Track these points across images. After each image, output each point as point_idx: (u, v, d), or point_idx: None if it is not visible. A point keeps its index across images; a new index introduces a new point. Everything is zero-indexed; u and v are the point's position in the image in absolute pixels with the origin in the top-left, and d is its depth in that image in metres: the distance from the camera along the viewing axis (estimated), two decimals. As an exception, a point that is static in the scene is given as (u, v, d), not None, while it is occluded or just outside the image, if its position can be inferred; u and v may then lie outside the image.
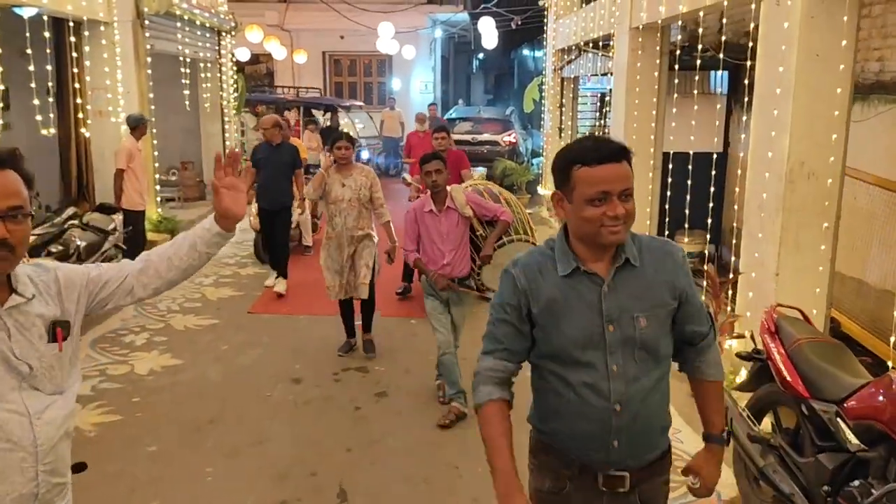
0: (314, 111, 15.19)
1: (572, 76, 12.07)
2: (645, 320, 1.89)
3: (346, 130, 14.52)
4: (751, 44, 5.23)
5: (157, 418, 4.66)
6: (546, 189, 13.04)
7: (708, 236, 8.20)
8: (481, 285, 4.88)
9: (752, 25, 5.17)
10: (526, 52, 27.13)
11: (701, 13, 6.33)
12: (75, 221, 5.78)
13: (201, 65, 10.80)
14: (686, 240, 8.52)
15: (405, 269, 7.13)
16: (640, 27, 7.73)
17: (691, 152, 7.54)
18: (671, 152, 8.11)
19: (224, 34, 12.02)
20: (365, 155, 14.12)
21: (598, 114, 13.16)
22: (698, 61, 6.89)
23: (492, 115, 15.36)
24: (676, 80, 8.27)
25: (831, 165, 4.53)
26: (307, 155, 13.35)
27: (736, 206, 5.75)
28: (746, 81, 5.39)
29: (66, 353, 1.76)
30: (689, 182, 8.21)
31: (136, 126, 7.29)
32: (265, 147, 7.21)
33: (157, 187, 9.19)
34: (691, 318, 2.02)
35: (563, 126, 12.60)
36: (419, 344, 6.05)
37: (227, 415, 4.73)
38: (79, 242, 5.67)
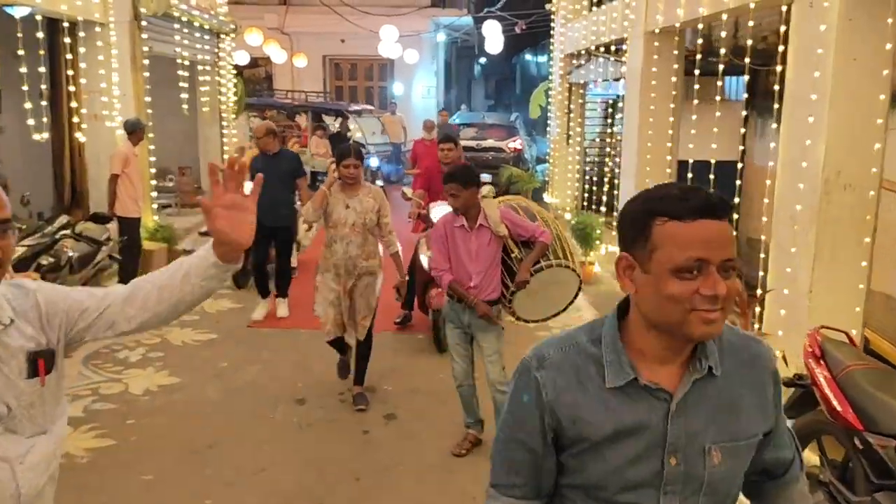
0: (324, 116, 14.66)
1: (581, 82, 11.80)
2: (720, 454, 1.36)
3: (354, 139, 12.34)
4: (781, 47, 4.97)
5: (153, 442, 4.36)
6: (553, 197, 12.78)
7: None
8: (512, 313, 4.32)
9: (782, 28, 4.92)
10: (528, 57, 26.96)
11: (723, 16, 6.07)
12: (67, 231, 5.48)
13: (199, 68, 10.52)
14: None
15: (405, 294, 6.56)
16: (657, 31, 7.47)
17: (712, 160, 7.30)
18: (687, 161, 7.89)
19: (223, 37, 11.75)
20: (374, 162, 13.26)
21: (607, 120, 12.94)
22: (721, 66, 6.61)
23: (496, 121, 15.12)
24: (696, 86, 8.02)
25: (872, 176, 4.27)
26: (314, 162, 12.87)
27: (764, 218, 5.47)
28: (776, 87, 5.11)
29: (49, 387, 1.51)
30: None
31: (134, 131, 7.02)
32: (261, 158, 6.42)
33: (154, 194, 8.90)
34: (775, 441, 1.48)
35: (570, 133, 12.34)
36: (427, 361, 5.78)
37: (227, 438, 4.44)
38: (71, 254, 5.38)
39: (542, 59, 24.20)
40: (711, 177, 6.99)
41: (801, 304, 4.56)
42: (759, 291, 5.26)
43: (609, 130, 12.56)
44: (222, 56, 11.97)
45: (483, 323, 4.07)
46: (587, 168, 12.37)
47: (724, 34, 7.33)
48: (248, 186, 1.61)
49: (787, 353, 4.60)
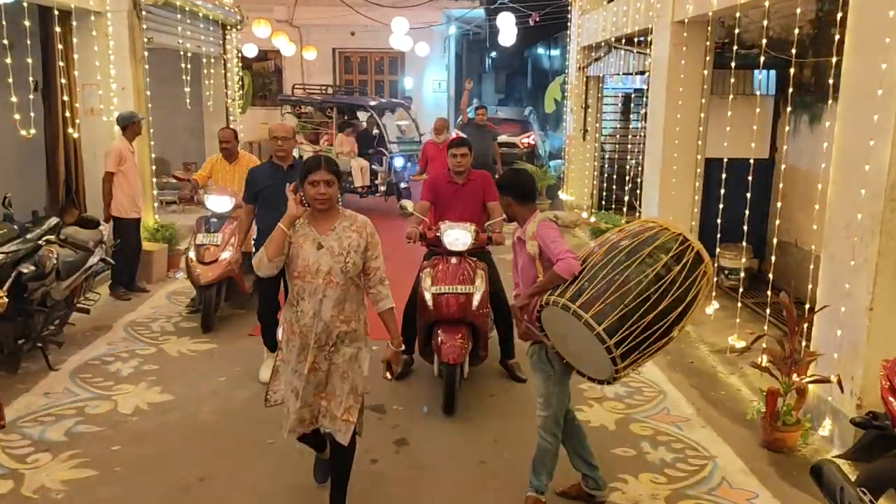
0: (358, 113, 13.42)
1: (600, 74, 11.31)
2: None
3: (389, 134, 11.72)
4: (836, 36, 4.50)
5: (139, 474, 3.95)
6: (569, 194, 12.30)
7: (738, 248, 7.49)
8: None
9: (839, 15, 4.43)
10: (541, 50, 26.38)
11: (766, 2, 5.58)
12: (53, 237, 5.07)
13: (204, 60, 10.10)
14: (727, 254, 7.79)
15: (404, 335, 4.77)
16: (686, 21, 6.98)
17: (725, 158, 6.84)
18: (720, 159, 7.41)
19: (229, 28, 11.33)
20: (399, 163, 11.86)
21: (625, 115, 12.45)
22: (760, 58, 6.13)
23: (509, 116, 14.66)
24: (731, 79, 7.53)
25: (946, 182, 3.80)
26: (339, 161, 12.18)
27: (815, 226, 4.99)
28: (833, 80, 4.62)
29: None
30: (727, 191, 7.50)
31: (127, 125, 6.61)
32: (268, 169, 5.04)
33: (155, 192, 8.50)
34: None
35: (587, 128, 11.85)
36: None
37: (221, 469, 4.02)
38: (56, 260, 4.96)
39: (555, 52, 23.64)
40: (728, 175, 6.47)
41: (858, 322, 4.10)
42: (807, 307, 4.78)
43: (626, 126, 12.08)
44: (228, 48, 11.55)
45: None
46: (604, 164, 11.90)
47: (748, 24, 6.81)
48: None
49: (843, 378, 4.15)
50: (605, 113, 12.07)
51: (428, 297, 4.71)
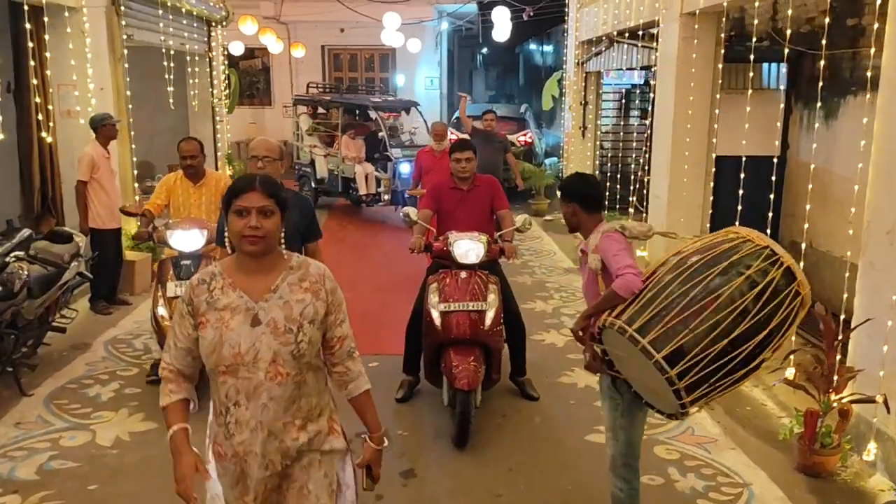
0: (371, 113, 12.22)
1: (601, 70, 10.96)
2: None
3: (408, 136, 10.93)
4: (875, 24, 4.16)
5: (118, 517, 3.56)
6: (568, 194, 11.94)
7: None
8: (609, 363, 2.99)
9: (877, 3, 4.09)
10: (533, 46, 26.04)
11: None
12: (21, 252, 4.65)
13: (188, 58, 9.67)
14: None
15: (407, 355, 4.91)
16: (697, 12, 6.63)
17: (743, 157, 6.51)
18: (725, 157, 7.09)
19: (215, 25, 10.89)
20: (405, 169, 10.50)
21: (623, 112, 12.13)
22: (770, 50, 5.78)
23: (505, 113, 14.24)
24: (750, 73, 7.21)
25: None
26: (343, 167, 11.05)
27: (850, 230, 4.66)
28: (851, 73, 4.28)
29: None
30: (739, 190, 7.16)
31: (98, 128, 6.16)
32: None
33: (137, 197, 8.06)
34: None
35: (586, 125, 11.51)
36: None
37: (210, 510, 3.63)
38: (26, 277, 4.55)
39: (549, 48, 23.30)
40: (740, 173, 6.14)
41: (905, 337, 3.76)
42: (842, 320, 4.44)
43: (625, 123, 11.76)
44: (214, 46, 11.11)
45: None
46: (602, 162, 11.58)
47: (756, 16, 6.47)
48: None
49: (890, 397, 3.81)
50: (603, 110, 11.75)
51: (435, 315, 4.28)
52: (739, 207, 6.29)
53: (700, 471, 4.08)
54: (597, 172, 11.24)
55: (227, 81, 12.11)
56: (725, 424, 4.65)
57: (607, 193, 11.02)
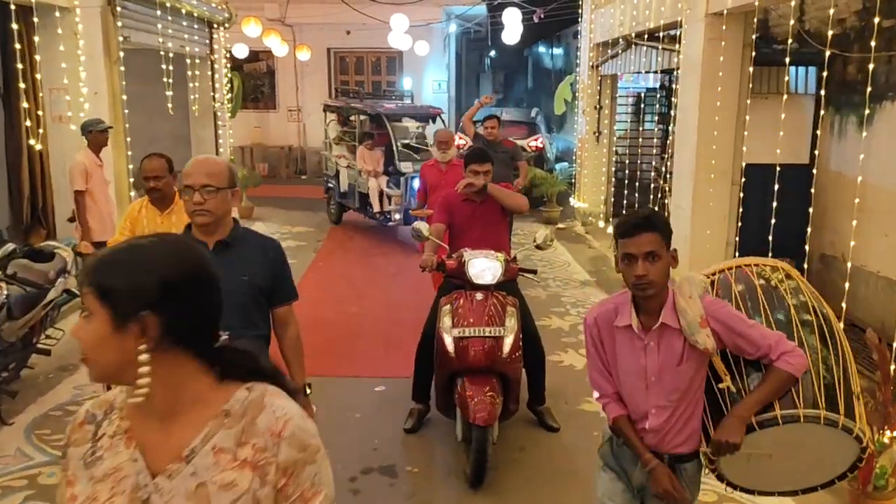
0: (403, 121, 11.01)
1: (615, 73, 10.58)
2: None
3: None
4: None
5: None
6: (581, 201, 11.56)
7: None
8: (719, 476, 2.47)
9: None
10: (542, 49, 25.68)
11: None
12: (0, 272, 4.30)
13: (188, 61, 9.34)
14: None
15: (417, 380, 4.54)
16: (724, 12, 6.24)
17: (776, 165, 6.11)
18: (752, 165, 6.70)
19: (217, 27, 10.56)
20: (418, 185, 8.46)
21: (636, 116, 11.74)
22: (797, 53, 5.38)
23: (516, 118, 13.88)
24: (786, 77, 6.82)
25: None
26: (359, 180, 10.00)
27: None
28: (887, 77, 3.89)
29: None
30: (764, 200, 6.77)
31: (88, 134, 5.80)
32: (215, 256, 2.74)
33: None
34: None
35: (600, 130, 11.12)
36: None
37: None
38: (5, 297, 4.20)
39: (558, 51, 22.94)
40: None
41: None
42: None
43: (638, 128, 11.37)
44: (216, 48, 10.79)
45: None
46: (616, 168, 11.20)
47: (778, 17, 6.08)
48: None
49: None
50: (617, 114, 11.37)
51: (448, 341, 3.89)
52: (773, 220, 5.90)
53: (742, 516, 3.69)
54: (615, 180, 10.85)
55: (229, 85, 11.78)
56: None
57: (619, 200, 10.66)
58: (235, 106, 12.37)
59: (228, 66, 11.60)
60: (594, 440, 4.52)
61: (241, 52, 14.08)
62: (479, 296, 3.99)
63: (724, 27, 6.30)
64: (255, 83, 17.63)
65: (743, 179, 6.78)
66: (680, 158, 7.29)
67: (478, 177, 4.29)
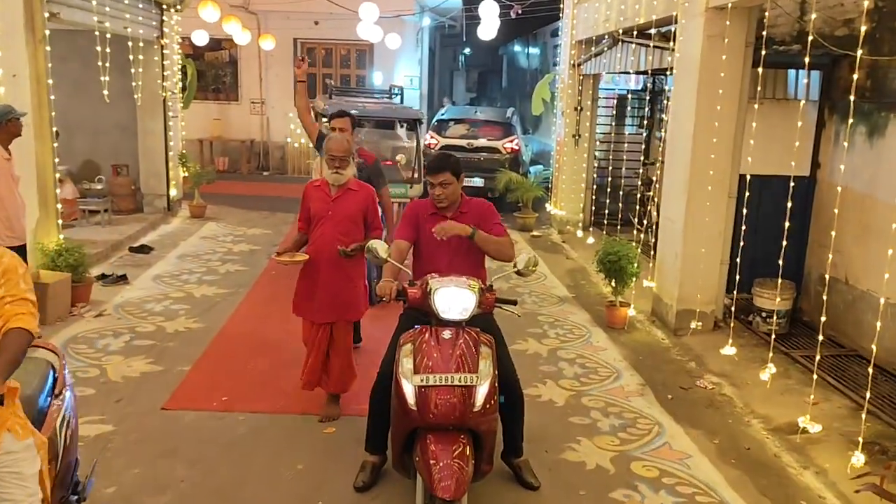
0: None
1: (598, 72, 9.93)
2: None
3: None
4: None
5: None
6: (559, 208, 10.90)
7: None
8: None
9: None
10: (517, 48, 25.06)
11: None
12: None
13: (130, 44, 8.43)
14: (763, 293, 6.44)
15: (372, 428, 3.81)
16: (728, 6, 5.60)
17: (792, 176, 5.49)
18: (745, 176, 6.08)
19: (168, 8, 9.66)
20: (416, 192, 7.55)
21: (618, 119, 11.14)
22: (801, 56, 4.74)
23: (490, 118, 13.19)
24: (805, 80, 6.22)
25: None
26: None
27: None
28: None
29: None
30: (760, 215, 6.21)
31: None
32: None
33: (59, 206, 6.85)
34: None
35: (580, 132, 10.47)
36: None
37: None
38: None
39: (534, 49, 22.31)
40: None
41: None
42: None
43: (620, 131, 10.76)
44: (167, 32, 9.89)
45: None
46: (596, 173, 10.58)
47: (777, 16, 5.46)
48: None
49: None
50: (598, 116, 10.75)
51: (408, 390, 3.16)
52: (767, 237, 5.29)
53: None
54: (594, 186, 10.22)
55: (182, 73, 10.87)
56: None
57: (597, 208, 10.03)
58: (189, 96, 11.46)
59: (180, 52, 10.68)
60: (580, 500, 3.86)
61: (200, 38, 13.14)
62: (446, 333, 3.25)
63: (727, 22, 5.66)
64: (217, 73, 16.67)
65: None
66: (672, 167, 6.64)
67: (434, 188, 3.65)
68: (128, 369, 5.12)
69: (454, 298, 3.26)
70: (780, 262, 5.52)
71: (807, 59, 4.82)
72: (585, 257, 8.99)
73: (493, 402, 3.23)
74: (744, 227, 5.43)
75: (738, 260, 5.45)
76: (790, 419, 4.75)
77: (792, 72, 7.08)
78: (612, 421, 4.71)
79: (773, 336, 5.22)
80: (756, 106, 6.17)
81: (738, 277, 5.71)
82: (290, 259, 4.34)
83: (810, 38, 4.78)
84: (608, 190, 10.22)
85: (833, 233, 5.06)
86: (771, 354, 5.15)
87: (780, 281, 6.34)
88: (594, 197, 10.61)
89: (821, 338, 4.61)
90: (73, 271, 6.29)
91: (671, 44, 6.64)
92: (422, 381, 3.13)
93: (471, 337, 3.28)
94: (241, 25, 12.89)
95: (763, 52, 5.34)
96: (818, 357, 4.65)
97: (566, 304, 7.32)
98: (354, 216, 4.38)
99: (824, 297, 5.05)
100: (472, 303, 3.28)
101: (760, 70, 5.38)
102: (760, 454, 4.41)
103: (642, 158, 10.46)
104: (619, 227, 9.67)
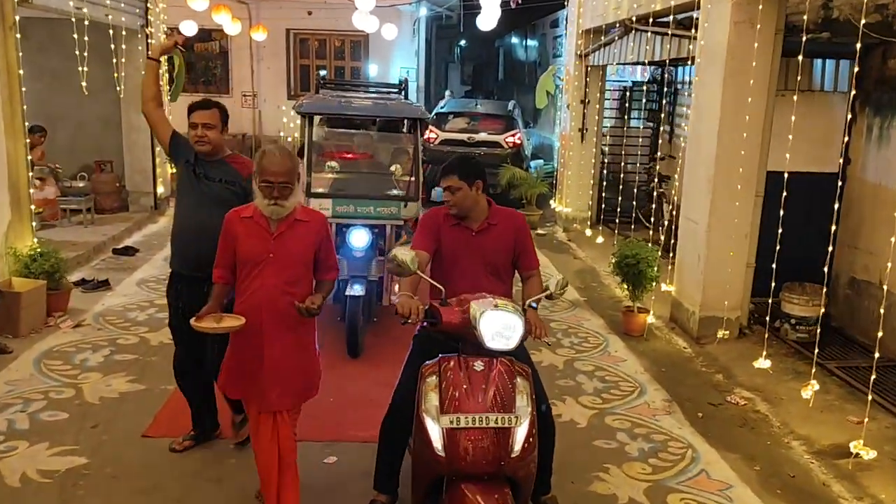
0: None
1: (607, 63, 9.48)
2: None
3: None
4: None
5: None
6: (564, 205, 10.45)
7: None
8: None
9: None
10: (515, 40, 24.55)
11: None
12: None
13: (112, 32, 7.90)
14: (793, 299, 6.02)
15: (382, 465, 3.33)
16: (761, -12, 5.15)
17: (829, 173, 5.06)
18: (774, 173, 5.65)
19: (153, -4, 9.15)
20: (359, 241, 5.54)
21: (622, 112, 10.73)
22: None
23: (492, 111, 12.72)
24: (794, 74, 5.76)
25: None
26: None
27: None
28: None
29: None
30: (788, 215, 5.76)
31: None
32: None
33: (32, 207, 6.36)
34: None
35: (586, 126, 10.02)
36: None
37: None
38: None
39: (532, 42, 21.81)
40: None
41: None
42: None
43: (624, 124, 10.33)
44: (152, 21, 9.37)
45: None
46: (603, 168, 10.15)
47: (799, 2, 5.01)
48: None
49: None
50: (605, 109, 10.31)
51: (435, 433, 2.67)
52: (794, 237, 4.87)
53: None
54: (603, 183, 9.77)
55: (169, 64, 10.33)
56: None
57: (605, 205, 9.60)
58: (177, 88, 10.83)
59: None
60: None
61: (189, 29, 12.59)
62: (478, 365, 2.76)
63: (759, 7, 5.21)
64: (207, 64, 16.11)
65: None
66: (693, 164, 6.20)
67: (445, 193, 3.18)
68: (106, 389, 4.64)
69: (504, 324, 2.73)
70: (811, 265, 5.11)
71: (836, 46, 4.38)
72: (594, 257, 8.56)
73: (531, 441, 2.75)
74: (780, 230, 4.97)
75: (772, 265, 4.99)
76: (834, 440, 4.34)
77: (818, 61, 6.66)
78: (640, 444, 4.28)
79: (815, 348, 4.77)
80: (784, 97, 5.75)
81: (772, 284, 5.25)
82: (218, 324, 3.02)
83: (840, 23, 4.35)
84: (619, 187, 9.78)
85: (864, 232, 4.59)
86: (814, 370, 4.71)
87: (810, 285, 5.96)
88: (600, 193, 10.18)
89: (877, 354, 4.17)
90: (49, 278, 5.80)
91: (693, 31, 6.19)
92: (451, 422, 2.64)
93: (505, 368, 2.78)
94: (230, 15, 12.35)
95: (790, 40, 4.93)
96: (873, 375, 4.21)
97: (578, 309, 6.88)
98: (305, 257, 3.12)
99: (861, 302, 4.63)
100: (521, 329, 2.78)
101: (800, 59, 4.91)
102: (807, 483, 3.99)
103: (650, 153, 10.04)
104: (632, 225, 9.26)
